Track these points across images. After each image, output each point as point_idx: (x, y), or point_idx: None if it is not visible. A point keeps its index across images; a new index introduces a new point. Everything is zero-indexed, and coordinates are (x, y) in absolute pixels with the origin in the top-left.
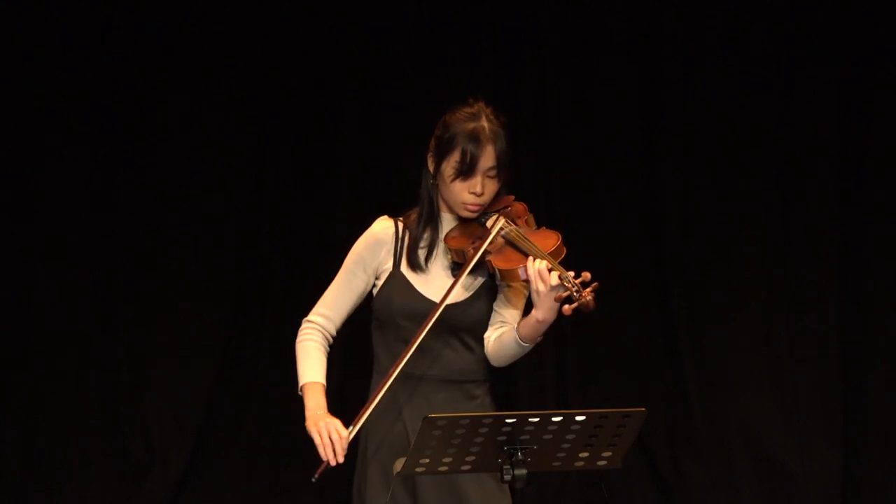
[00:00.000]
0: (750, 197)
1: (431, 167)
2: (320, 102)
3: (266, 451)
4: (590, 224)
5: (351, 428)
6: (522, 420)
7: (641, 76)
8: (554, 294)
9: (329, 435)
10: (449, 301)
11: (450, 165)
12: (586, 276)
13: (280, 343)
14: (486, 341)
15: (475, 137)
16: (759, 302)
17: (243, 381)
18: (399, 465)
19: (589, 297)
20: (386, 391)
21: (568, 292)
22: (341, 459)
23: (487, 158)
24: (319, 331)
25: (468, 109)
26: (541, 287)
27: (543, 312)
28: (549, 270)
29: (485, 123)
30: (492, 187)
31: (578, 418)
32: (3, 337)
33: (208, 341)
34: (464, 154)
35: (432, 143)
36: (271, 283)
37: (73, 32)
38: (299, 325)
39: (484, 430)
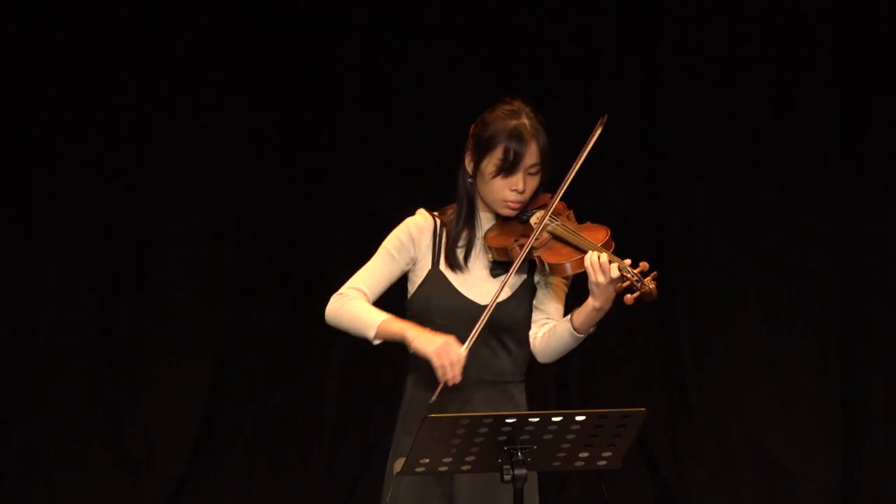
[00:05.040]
0: (750, 197)
1: (469, 166)
2: (320, 102)
3: (266, 451)
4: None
5: (467, 344)
6: (522, 420)
7: (641, 77)
8: (614, 285)
9: (448, 357)
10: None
11: (491, 163)
12: (644, 265)
13: (280, 344)
14: (532, 339)
15: (518, 134)
16: (759, 302)
17: (243, 381)
18: (399, 465)
19: (652, 286)
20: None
21: (628, 282)
22: (458, 379)
23: (531, 155)
24: (360, 293)
25: (507, 107)
26: (601, 279)
27: (602, 301)
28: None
29: (526, 120)
30: (532, 184)
31: (578, 418)
32: (3, 337)
33: (208, 341)
34: (507, 151)
35: (470, 141)
36: (271, 283)
37: (73, 32)
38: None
39: (484, 430)
